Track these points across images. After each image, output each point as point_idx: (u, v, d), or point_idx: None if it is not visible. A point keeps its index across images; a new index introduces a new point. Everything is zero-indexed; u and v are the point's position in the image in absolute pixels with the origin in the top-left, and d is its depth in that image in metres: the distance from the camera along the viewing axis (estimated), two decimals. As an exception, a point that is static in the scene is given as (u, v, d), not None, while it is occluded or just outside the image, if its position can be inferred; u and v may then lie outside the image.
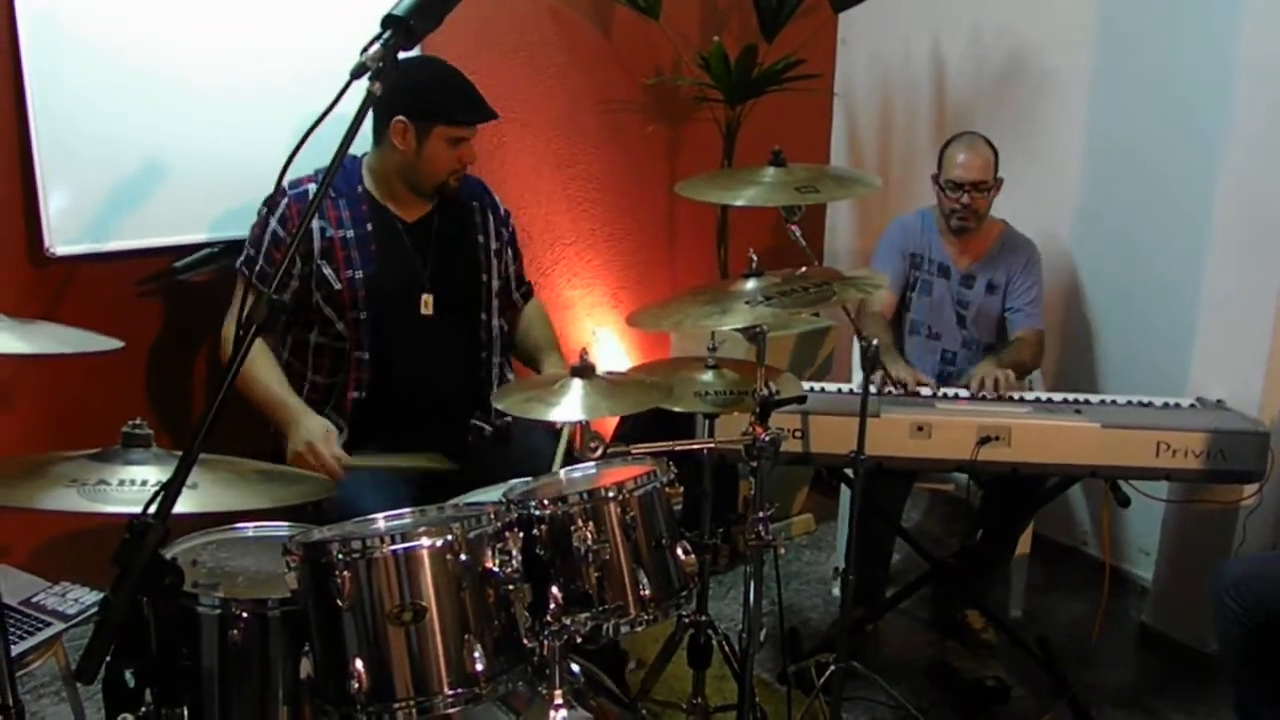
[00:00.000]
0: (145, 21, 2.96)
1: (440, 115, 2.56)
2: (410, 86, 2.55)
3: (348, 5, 3.14)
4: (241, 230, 3.05)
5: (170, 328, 3.20)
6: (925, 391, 2.99)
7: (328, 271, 2.58)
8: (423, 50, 3.29)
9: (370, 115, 2.54)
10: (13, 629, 2.26)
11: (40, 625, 2.30)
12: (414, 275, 2.67)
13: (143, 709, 1.62)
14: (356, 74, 1.53)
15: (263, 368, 2.58)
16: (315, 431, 2.47)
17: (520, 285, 2.97)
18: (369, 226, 2.63)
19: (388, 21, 1.56)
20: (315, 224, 2.57)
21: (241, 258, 2.65)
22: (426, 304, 2.69)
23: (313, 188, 2.58)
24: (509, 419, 2.76)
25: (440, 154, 2.59)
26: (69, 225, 2.91)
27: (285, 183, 2.56)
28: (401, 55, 2.72)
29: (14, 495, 1.62)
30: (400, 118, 2.55)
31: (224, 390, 1.42)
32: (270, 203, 2.60)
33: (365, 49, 1.54)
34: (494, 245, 2.82)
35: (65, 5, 2.85)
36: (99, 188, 2.95)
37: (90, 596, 2.40)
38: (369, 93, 1.52)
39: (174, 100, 3.01)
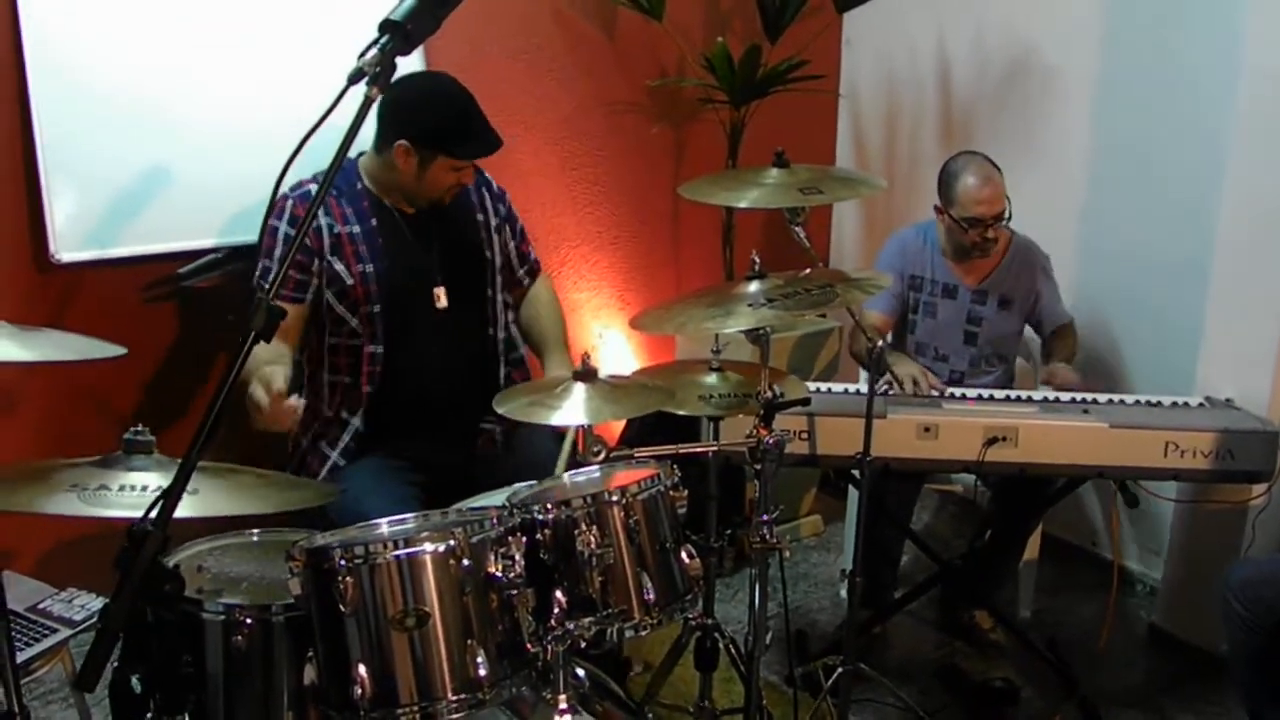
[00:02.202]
0: (149, 29, 2.97)
1: (446, 148, 2.54)
2: (420, 114, 2.54)
3: (349, 11, 3.15)
4: (246, 236, 3.07)
5: (175, 334, 3.20)
6: (934, 393, 2.97)
7: (339, 267, 2.58)
8: (425, 54, 3.32)
9: (375, 120, 2.56)
10: (19, 635, 2.26)
11: (46, 631, 2.31)
12: (423, 268, 2.67)
13: (149, 715, 1.62)
14: (354, 79, 1.52)
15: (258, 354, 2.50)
16: (276, 371, 2.35)
17: (524, 263, 2.94)
18: (373, 222, 2.62)
19: (385, 26, 1.55)
20: (323, 221, 2.57)
21: (257, 273, 2.62)
22: (440, 296, 2.68)
23: (314, 188, 2.57)
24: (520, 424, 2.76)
25: (441, 179, 2.59)
26: (74, 232, 2.91)
27: (285, 188, 2.56)
28: (416, 71, 2.72)
29: (15, 500, 1.62)
30: (404, 142, 2.52)
31: (223, 396, 1.42)
32: (276, 210, 2.59)
33: (362, 54, 1.53)
34: (493, 221, 2.81)
35: (71, 12, 2.86)
36: (104, 194, 2.96)
37: (97, 603, 2.41)
38: (366, 97, 1.51)
39: (178, 107, 3.02)
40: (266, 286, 2.51)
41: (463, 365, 2.74)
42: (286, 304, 2.50)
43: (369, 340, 2.61)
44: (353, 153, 2.64)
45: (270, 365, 2.33)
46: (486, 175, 2.87)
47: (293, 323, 2.54)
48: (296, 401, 2.28)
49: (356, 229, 2.60)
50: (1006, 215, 3.11)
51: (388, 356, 2.63)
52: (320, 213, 2.56)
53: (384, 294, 2.60)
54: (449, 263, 2.70)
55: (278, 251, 2.59)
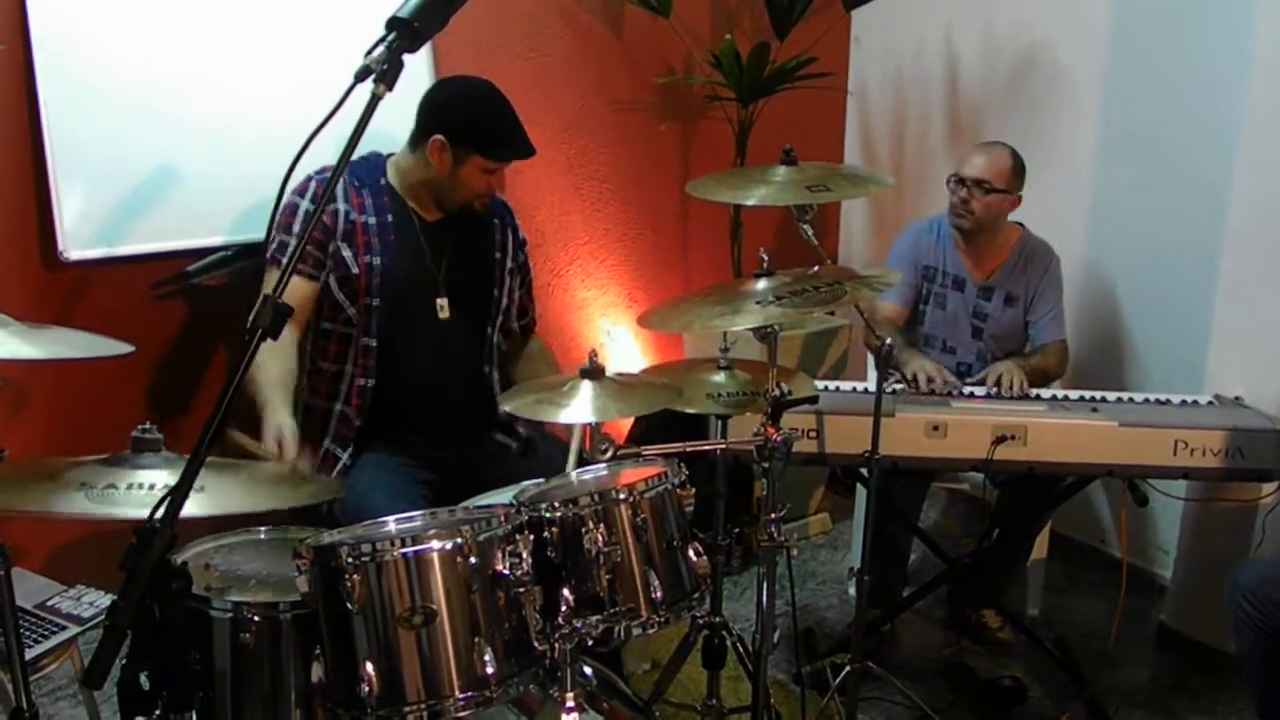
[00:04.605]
0: (157, 27, 2.97)
1: (481, 148, 2.55)
2: (459, 111, 2.57)
3: (358, 9, 3.15)
4: (254, 233, 3.08)
5: (183, 331, 3.21)
6: (950, 390, 2.97)
7: (347, 254, 2.58)
8: (433, 52, 3.32)
9: (415, 116, 2.55)
10: (28, 632, 2.27)
11: (55, 629, 2.31)
12: (428, 274, 2.67)
13: (157, 712, 1.62)
14: (361, 76, 1.52)
15: (266, 355, 2.53)
16: (286, 425, 2.40)
17: (524, 315, 2.94)
18: (389, 217, 2.63)
19: (392, 24, 1.55)
20: (340, 206, 2.58)
21: (272, 247, 2.62)
22: (443, 307, 2.68)
23: None
24: (532, 434, 2.77)
25: (472, 180, 2.59)
26: (82, 229, 2.91)
27: (311, 169, 2.59)
28: (461, 74, 2.72)
29: (24, 500, 1.63)
30: (439, 137, 2.54)
31: (230, 393, 1.42)
32: (299, 188, 2.61)
33: (369, 51, 1.53)
34: (509, 264, 2.81)
35: (79, 11, 2.87)
36: (112, 192, 2.96)
37: (105, 600, 2.41)
38: (374, 95, 1.50)
39: (186, 105, 3.02)
40: (284, 260, 2.54)
41: (459, 378, 2.74)
42: (302, 279, 2.55)
43: (363, 332, 2.62)
44: (384, 152, 2.68)
45: (281, 419, 2.36)
46: (516, 221, 2.88)
47: (304, 301, 2.56)
48: (304, 464, 2.32)
49: (372, 220, 2.61)
50: (989, 189, 3.11)
51: (382, 352, 2.63)
52: (339, 198, 2.59)
53: (386, 289, 2.60)
54: (454, 279, 2.70)
55: (295, 227, 2.60)
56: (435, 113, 2.58)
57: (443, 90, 2.66)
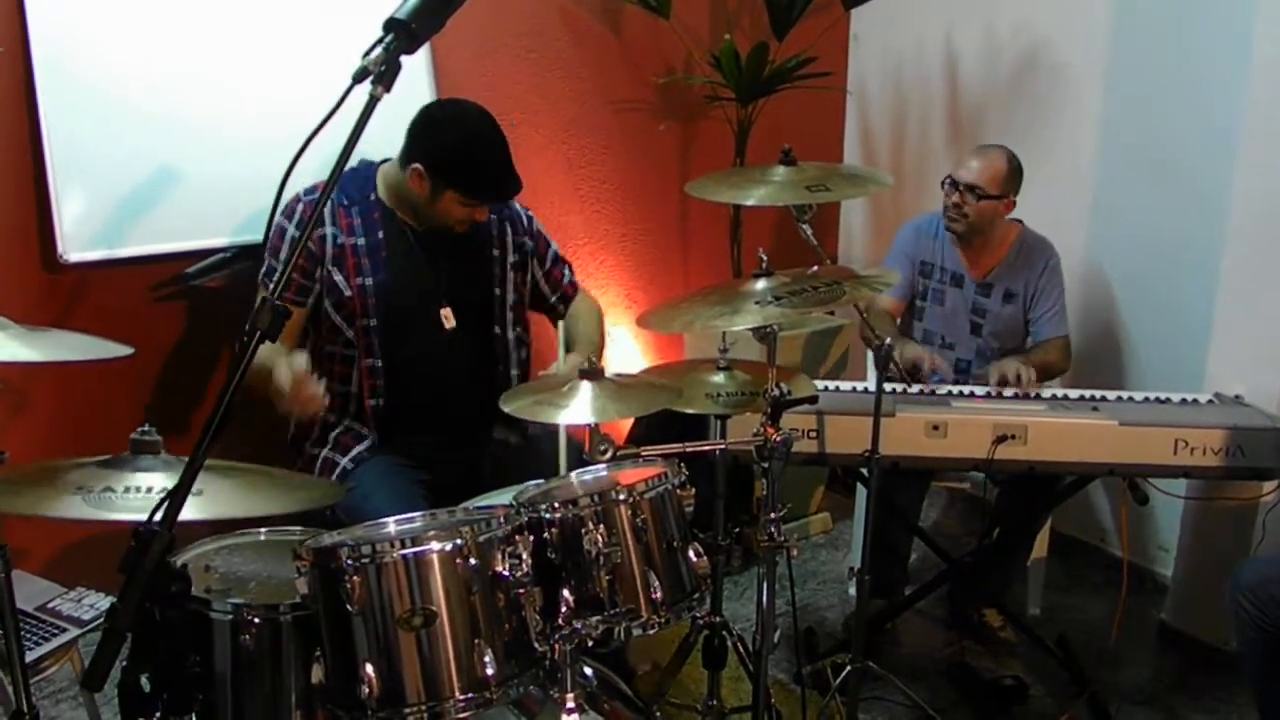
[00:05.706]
0: (156, 28, 2.97)
1: (457, 186, 2.51)
2: (439, 143, 2.51)
3: (358, 11, 3.14)
4: (253, 235, 3.08)
5: (182, 334, 3.21)
6: (942, 385, 2.97)
7: (338, 278, 2.57)
8: (432, 53, 3.32)
9: (405, 135, 2.53)
10: (28, 634, 2.27)
11: (55, 631, 2.31)
12: (427, 286, 2.64)
13: (157, 714, 1.62)
14: (359, 78, 1.52)
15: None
16: (298, 361, 2.37)
17: (556, 289, 2.91)
18: (380, 234, 2.60)
19: (390, 25, 1.55)
20: (327, 230, 2.56)
21: (263, 270, 2.62)
22: (448, 317, 2.66)
23: None
24: (533, 430, 2.77)
25: (451, 210, 2.55)
26: (82, 232, 2.91)
27: (300, 189, 2.56)
28: (456, 98, 2.69)
29: (20, 503, 1.63)
30: (418, 165, 2.49)
31: (228, 395, 1.42)
32: (287, 210, 2.59)
33: (367, 53, 1.53)
34: (511, 258, 2.77)
35: (78, 14, 2.87)
36: (112, 194, 2.96)
37: (105, 602, 2.41)
38: (371, 97, 1.50)
39: (185, 106, 3.02)
40: (271, 287, 2.53)
41: (469, 384, 2.72)
42: (288, 306, 2.51)
43: (365, 353, 2.60)
44: (378, 159, 2.65)
45: (290, 359, 2.36)
46: (517, 208, 2.82)
47: (292, 326, 2.54)
48: (319, 385, 2.31)
49: (361, 241, 2.58)
50: (983, 194, 3.11)
51: (388, 371, 2.62)
52: (327, 221, 2.56)
53: (382, 308, 2.58)
54: (457, 287, 2.68)
55: (283, 253, 2.59)
56: (419, 139, 2.52)
57: (431, 116, 2.58)
